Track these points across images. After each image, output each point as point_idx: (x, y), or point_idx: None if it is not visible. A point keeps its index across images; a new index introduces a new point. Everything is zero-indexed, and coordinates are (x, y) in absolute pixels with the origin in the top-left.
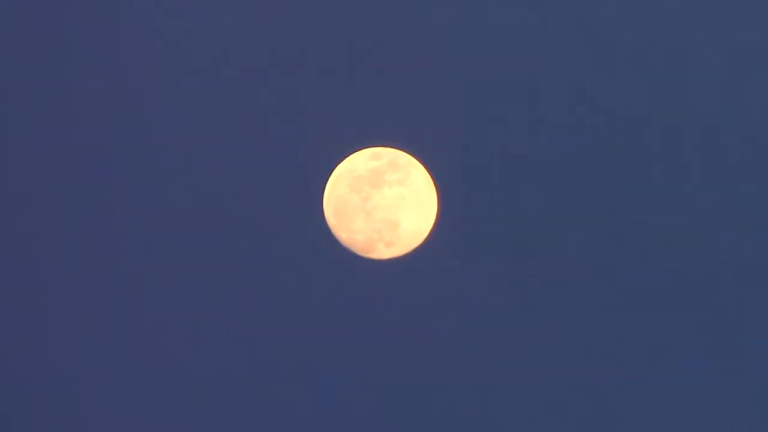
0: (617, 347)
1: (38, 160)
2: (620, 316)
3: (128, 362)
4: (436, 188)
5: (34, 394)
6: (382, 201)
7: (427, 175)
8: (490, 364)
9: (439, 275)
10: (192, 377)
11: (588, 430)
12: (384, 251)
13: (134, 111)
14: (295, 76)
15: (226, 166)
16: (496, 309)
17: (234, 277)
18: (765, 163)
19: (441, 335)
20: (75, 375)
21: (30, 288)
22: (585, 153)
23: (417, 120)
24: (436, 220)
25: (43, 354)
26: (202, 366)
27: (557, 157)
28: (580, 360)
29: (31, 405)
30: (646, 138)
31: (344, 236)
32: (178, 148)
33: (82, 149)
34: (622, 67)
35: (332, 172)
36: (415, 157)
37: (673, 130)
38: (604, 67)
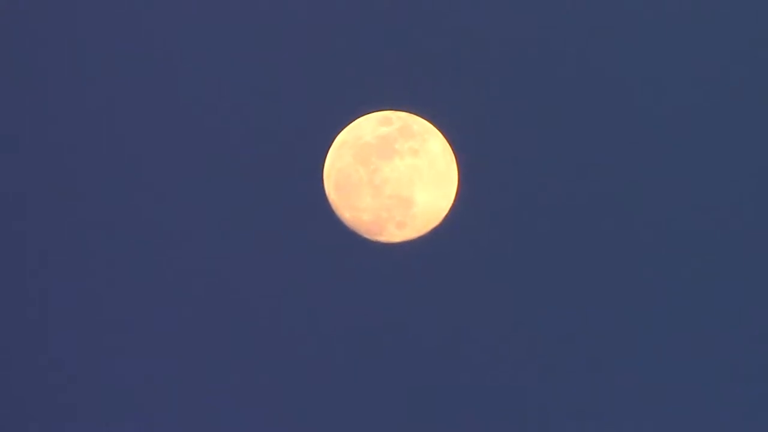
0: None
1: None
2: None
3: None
4: (456, 159)
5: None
6: (393, 174)
7: (446, 143)
8: (513, 361)
9: (459, 261)
10: (184, 372)
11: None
12: (395, 233)
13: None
14: (293, 27)
15: (210, 132)
16: (523, 299)
17: (221, 264)
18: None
19: (459, 327)
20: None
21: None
22: (626, 124)
23: (434, 79)
24: (456, 196)
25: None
26: (194, 360)
27: (594, 125)
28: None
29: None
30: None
31: (348, 216)
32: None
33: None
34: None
35: (334, 139)
36: (431, 123)
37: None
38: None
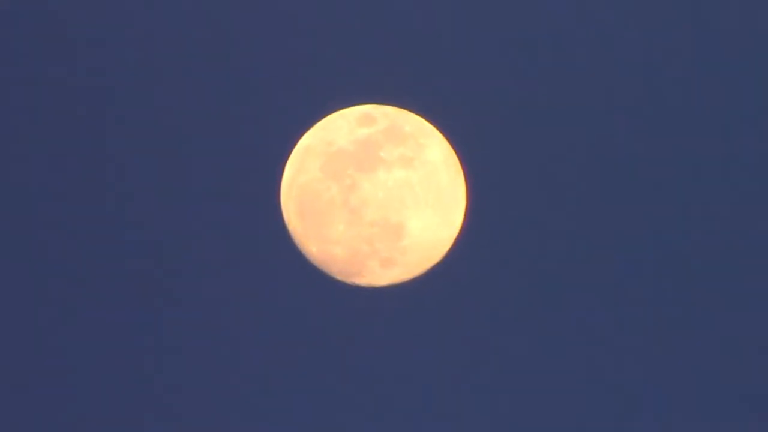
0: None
1: None
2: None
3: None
4: (463, 172)
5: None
6: (377, 192)
7: (450, 149)
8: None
9: (465, 311)
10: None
11: None
12: (379, 274)
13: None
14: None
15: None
16: (546, 358)
17: (148, 316)
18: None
19: (462, 399)
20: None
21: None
22: (655, 132)
23: (431, 63)
24: (463, 223)
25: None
26: (133, 412)
27: (629, 127)
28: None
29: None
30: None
31: (315, 250)
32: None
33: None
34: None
35: (296, 144)
36: (429, 122)
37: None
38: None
